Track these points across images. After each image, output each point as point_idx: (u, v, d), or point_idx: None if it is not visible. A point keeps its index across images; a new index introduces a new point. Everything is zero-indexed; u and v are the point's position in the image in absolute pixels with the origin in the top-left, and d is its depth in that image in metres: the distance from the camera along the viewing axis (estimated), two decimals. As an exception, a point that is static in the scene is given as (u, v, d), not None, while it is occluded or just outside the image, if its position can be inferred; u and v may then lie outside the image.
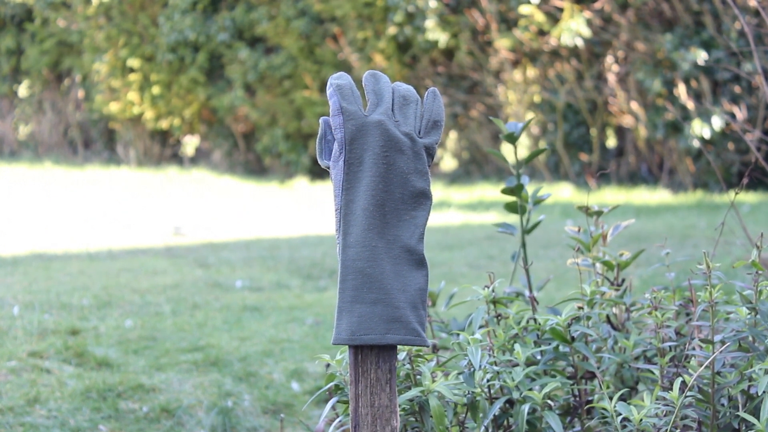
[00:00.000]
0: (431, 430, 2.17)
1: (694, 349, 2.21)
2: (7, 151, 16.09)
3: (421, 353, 2.26)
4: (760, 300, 2.18)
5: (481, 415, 2.23)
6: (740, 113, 10.19)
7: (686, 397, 2.13)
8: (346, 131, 1.95)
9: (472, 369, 2.23)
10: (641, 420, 2.07)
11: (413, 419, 2.21)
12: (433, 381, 2.18)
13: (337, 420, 2.28)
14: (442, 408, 2.12)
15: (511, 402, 2.27)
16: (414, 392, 2.15)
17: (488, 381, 2.25)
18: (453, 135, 12.70)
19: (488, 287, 2.37)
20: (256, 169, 13.88)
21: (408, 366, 2.24)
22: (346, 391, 2.26)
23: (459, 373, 2.25)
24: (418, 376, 2.24)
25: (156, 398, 3.64)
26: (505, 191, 2.66)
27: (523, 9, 10.92)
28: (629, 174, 11.46)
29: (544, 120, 11.61)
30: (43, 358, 3.93)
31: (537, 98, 11.62)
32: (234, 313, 4.98)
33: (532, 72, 11.49)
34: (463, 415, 2.28)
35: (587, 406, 2.32)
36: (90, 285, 5.52)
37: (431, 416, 2.14)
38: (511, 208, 2.68)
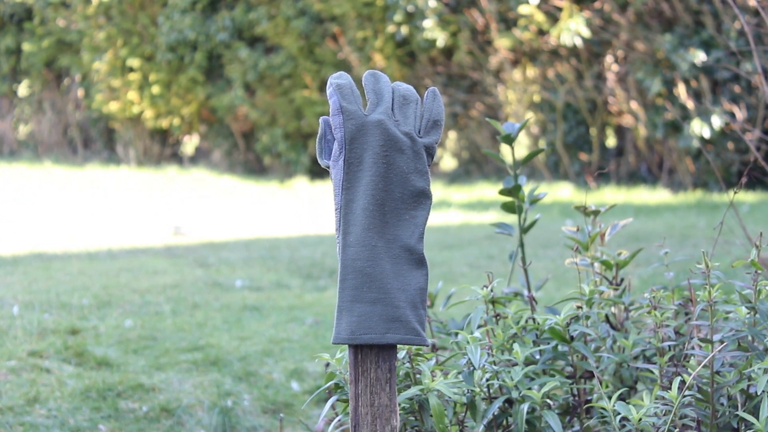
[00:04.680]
0: (431, 429, 2.18)
1: (693, 348, 2.21)
2: (6, 150, 16.08)
3: (420, 352, 2.26)
4: (759, 299, 2.19)
5: (480, 413, 2.23)
6: (740, 113, 10.19)
7: (685, 396, 2.13)
8: (346, 131, 1.95)
9: (471, 368, 2.23)
10: (640, 419, 2.08)
11: (413, 418, 2.21)
12: (433, 380, 2.18)
13: (337, 419, 2.28)
14: (441, 406, 2.13)
15: (510, 401, 2.28)
16: (414, 391, 2.15)
17: (487, 380, 2.25)
18: (453, 135, 12.70)
19: (487, 287, 2.37)
20: (256, 168, 13.87)
21: (408, 365, 2.24)
22: (346, 390, 2.26)
23: (458, 373, 2.25)
24: (418, 375, 2.24)
25: (156, 398, 3.64)
26: (502, 192, 2.66)
27: (523, 9, 10.92)
28: (629, 174, 11.46)
29: (543, 120, 11.61)
30: (42, 357, 3.93)
31: (537, 98, 11.62)
32: (234, 312, 4.98)
33: (531, 72, 11.49)
34: (463, 414, 2.28)
35: (586, 405, 2.32)
36: (90, 285, 5.52)
37: (431, 415, 2.14)
38: (508, 208, 2.68)
